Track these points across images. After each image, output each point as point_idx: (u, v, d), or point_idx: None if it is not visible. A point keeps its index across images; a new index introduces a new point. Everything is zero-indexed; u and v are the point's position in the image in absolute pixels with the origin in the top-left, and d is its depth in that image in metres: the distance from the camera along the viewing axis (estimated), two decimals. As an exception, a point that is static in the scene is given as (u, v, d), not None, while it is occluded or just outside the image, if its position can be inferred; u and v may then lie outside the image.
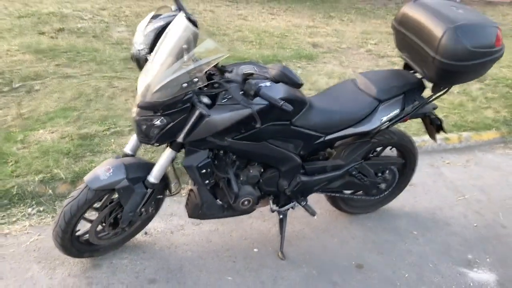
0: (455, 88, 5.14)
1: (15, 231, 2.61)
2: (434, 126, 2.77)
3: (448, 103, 4.80)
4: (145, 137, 2.07)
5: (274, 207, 2.57)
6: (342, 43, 7.04)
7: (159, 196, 2.43)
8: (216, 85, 2.09)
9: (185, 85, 1.93)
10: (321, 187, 2.62)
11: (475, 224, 3.02)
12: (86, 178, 2.16)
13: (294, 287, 2.41)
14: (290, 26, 7.86)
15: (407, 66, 2.64)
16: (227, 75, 2.14)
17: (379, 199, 2.98)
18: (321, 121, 2.39)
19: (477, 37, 2.28)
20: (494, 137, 4.26)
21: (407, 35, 2.50)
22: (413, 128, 4.13)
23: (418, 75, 2.55)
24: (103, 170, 2.16)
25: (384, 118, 2.47)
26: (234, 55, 5.80)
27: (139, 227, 2.55)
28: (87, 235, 2.35)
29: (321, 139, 2.43)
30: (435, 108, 2.75)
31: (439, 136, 4.01)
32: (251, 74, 2.03)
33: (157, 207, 2.53)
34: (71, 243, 2.27)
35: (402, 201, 3.19)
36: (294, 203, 2.60)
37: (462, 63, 2.28)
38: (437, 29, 2.28)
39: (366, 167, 2.70)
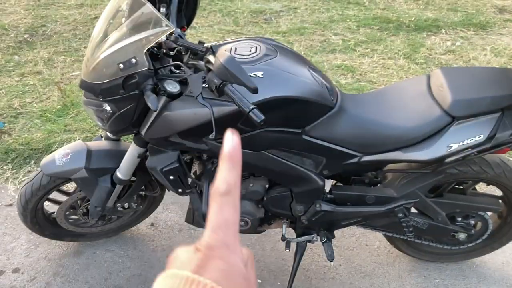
0: None
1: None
2: None
3: None
4: (100, 123, 1.65)
5: (287, 235, 1.93)
6: (549, 7, 5.39)
7: (145, 193, 2.02)
8: (182, 68, 1.53)
9: (121, 66, 1.42)
10: (353, 223, 1.88)
11: None
12: (43, 160, 1.85)
13: None
14: (479, -18, 6.35)
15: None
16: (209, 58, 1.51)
17: (460, 250, 2.07)
18: (352, 135, 1.63)
19: None
20: None
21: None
22: None
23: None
24: (61, 155, 1.82)
25: (455, 146, 1.57)
26: (385, 16, 4.88)
27: (135, 220, 2.20)
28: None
29: (355, 160, 1.67)
30: None
31: None
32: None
33: (151, 203, 2.13)
34: (39, 226, 2.02)
35: (511, 255, 2.19)
36: (313, 235, 1.92)
37: None
38: None
39: (432, 207, 1.83)
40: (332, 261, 1.86)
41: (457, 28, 4.78)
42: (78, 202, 1.98)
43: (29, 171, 2.63)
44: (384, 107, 1.69)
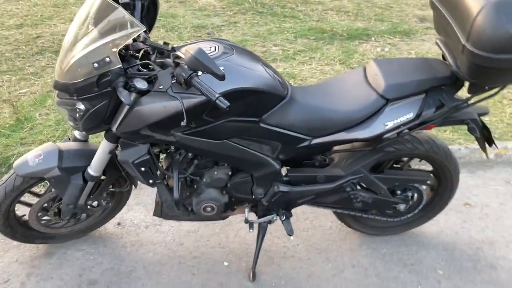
0: None
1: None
2: (482, 137, 2.05)
3: None
4: (72, 122, 1.78)
5: (250, 217, 2.12)
6: (457, 17, 5.95)
7: (113, 190, 2.14)
8: (150, 66, 1.70)
9: (96, 65, 1.57)
10: (308, 201, 2.10)
11: (532, 274, 2.23)
12: (16, 162, 1.94)
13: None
14: (401, -5, 6.90)
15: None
16: (178, 54, 1.69)
17: (401, 221, 2.35)
18: (303, 121, 1.86)
19: (531, 18, 1.54)
20: None
21: (443, 13, 1.82)
22: (499, 131, 3.27)
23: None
24: (33, 156, 1.92)
25: (390, 124, 1.84)
26: (320, 27, 5.23)
27: (103, 218, 2.31)
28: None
29: (306, 143, 1.90)
30: (483, 113, 2.02)
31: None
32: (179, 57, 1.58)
33: (120, 200, 2.25)
34: (11, 228, 2.09)
35: (445, 225, 2.49)
36: (273, 215, 2.12)
37: (503, 56, 1.57)
38: (473, 5, 1.60)
39: (375, 182, 2.09)
40: (291, 235, 2.07)
41: (385, 35, 5.20)
42: (50, 202, 2.07)
43: (-12, 184, 2.65)
44: (329, 95, 1.94)
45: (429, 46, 5.01)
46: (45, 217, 2.11)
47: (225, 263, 2.23)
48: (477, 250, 2.35)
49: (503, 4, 1.53)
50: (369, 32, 5.23)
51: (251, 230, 2.12)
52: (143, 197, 2.60)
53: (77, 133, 2.02)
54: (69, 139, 2.07)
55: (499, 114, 3.45)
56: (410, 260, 2.29)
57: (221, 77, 1.43)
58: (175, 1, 5.92)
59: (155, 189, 2.03)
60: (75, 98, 1.66)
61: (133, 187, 2.19)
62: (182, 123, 1.57)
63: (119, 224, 2.43)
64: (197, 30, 5.07)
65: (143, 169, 1.85)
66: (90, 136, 2.15)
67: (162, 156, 2.02)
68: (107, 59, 1.56)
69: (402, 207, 2.21)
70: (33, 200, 2.08)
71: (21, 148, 2.92)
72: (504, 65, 1.60)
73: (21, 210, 2.15)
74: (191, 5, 5.82)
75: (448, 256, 2.31)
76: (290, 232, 2.08)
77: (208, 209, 2.03)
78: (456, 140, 3.17)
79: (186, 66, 1.52)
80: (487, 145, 2.08)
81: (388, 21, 5.68)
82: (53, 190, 2.04)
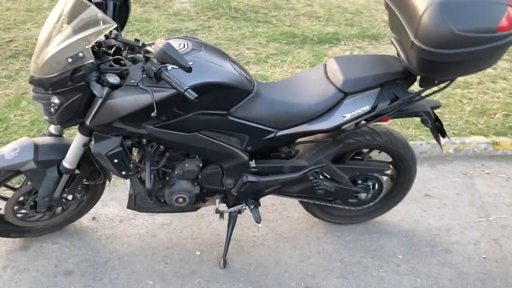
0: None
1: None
2: (434, 128, 2.21)
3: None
4: (47, 116, 1.86)
5: (221, 208, 2.23)
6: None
7: (88, 183, 2.22)
8: (122, 62, 1.80)
9: (70, 60, 1.66)
10: (275, 190, 2.22)
11: (484, 256, 2.39)
12: (-8, 156, 2.01)
13: (222, 303, 2.08)
14: (371, 2, 7.13)
15: (400, 53, 2.10)
16: (148, 49, 1.80)
17: (364, 210, 2.48)
18: (268, 114, 1.98)
19: (469, 17, 1.71)
20: None
21: (395, 12, 1.98)
22: (458, 127, 3.46)
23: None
24: (9, 149, 2.00)
25: (348, 116, 1.98)
26: (292, 32, 5.39)
27: (78, 213, 2.38)
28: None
29: (272, 135, 2.02)
30: (436, 106, 2.17)
31: (486, 139, 3.34)
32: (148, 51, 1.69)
33: (94, 194, 2.33)
34: (-13, 222, 2.16)
35: (405, 214, 2.64)
36: (242, 205, 2.23)
37: (446, 51, 1.74)
38: (419, 4, 1.75)
39: (336, 172, 2.23)
40: (259, 223, 2.19)
41: (354, 39, 5.39)
42: (25, 196, 2.14)
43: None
44: (292, 90, 2.06)
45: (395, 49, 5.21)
46: (21, 211, 2.18)
47: (197, 253, 2.33)
48: (434, 237, 2.50)
49: (445, 3, 1.69)
50: (339, 36, 5.41)
51: (221, 219, 2.22)
52: (117, 193, 2.68)
53: (52, 128, 2.10)
54: (45, 134, 2.14)
55: (458, 112, 3.65)
56: (372, 247, 2.42)
57: (188, 69, 1.54)
58: (150, 6, 6.01)
59: (129, 185, 2.12)
60: (50, 92, 1.74)
61: (107, 180, 2.27)
62: (153, 114, 1.67)
63: (94, 218, 2.51)
64: (171, 34, 5.16)
65: (116, 161, 1.94)
66: (65, 131, 2.22)
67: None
68: (81, 54, 1.65)
69: (363, 196, 2.35)
70: (9, 194, 2.14)
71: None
72: (448, 59, 1.76)
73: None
74: (166, 10, 5.91)
75: (407, 242, 2.46)
76: (258, 220, 2.19)
77: (180, 200, 2.12)
78: (418, 136, 3.33)
79: (155, 61, 1.64)
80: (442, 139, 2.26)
81: (358, 25, 5.87)
82: (28, 183, 2.11)
